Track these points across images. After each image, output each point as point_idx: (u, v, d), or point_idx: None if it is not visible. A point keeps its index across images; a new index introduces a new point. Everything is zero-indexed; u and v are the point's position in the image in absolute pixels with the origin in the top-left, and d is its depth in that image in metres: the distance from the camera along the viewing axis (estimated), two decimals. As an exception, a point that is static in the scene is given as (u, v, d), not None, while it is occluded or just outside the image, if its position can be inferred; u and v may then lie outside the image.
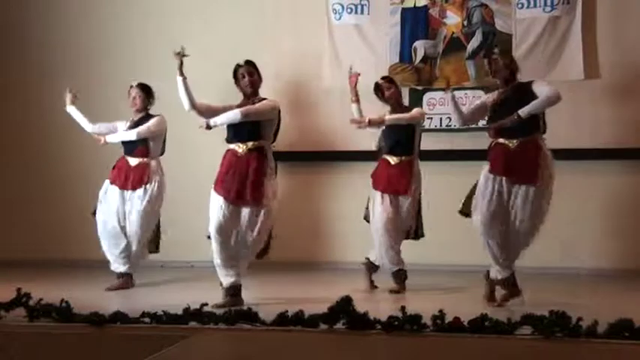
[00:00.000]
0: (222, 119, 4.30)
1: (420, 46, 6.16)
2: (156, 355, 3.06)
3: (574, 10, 5.87)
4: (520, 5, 5.98)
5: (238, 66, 4.43)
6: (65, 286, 4.85)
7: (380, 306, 3.70)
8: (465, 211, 4.43)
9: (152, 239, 5.29)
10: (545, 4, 5.92)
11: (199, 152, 6.29)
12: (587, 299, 4.54)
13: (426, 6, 6.15)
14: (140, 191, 5.14)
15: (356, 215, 5.96)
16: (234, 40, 6.33)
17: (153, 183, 5.17)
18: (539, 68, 5.86)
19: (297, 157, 5.97)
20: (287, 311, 3.57)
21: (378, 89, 5.11)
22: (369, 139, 5.71)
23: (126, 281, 5.19)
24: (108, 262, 5.29)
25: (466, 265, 5.86)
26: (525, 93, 4.28)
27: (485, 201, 4.26)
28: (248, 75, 4.39)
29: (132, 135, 5.15)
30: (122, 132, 5.22)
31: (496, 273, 4.29)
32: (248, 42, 6.28)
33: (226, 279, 4.36)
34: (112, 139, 5.21)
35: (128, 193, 5.16)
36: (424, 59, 6.14)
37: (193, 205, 6.15)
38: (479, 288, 5.20)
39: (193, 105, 4.35)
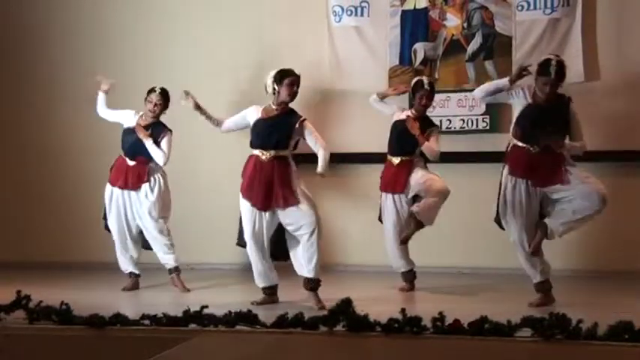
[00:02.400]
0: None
1: (420, 49, 6.16)
2: (155, 357, 3.06)
3: (574, 13, 5.87)
4: (520, 7, 5.98)
5: (292, 73, 4.51)
6: (65, 288, 4.85)
7: (380, 308, 3.70)
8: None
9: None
10: (545, 6, 5.92)
11: (199, 156, 6.30)
12: (586, 300, 4.56)
13: (426, 8, 6.15)
14: (141, 191, 5.14)
15: (359, 217, 5.97)
16: (233, 42, 6.34)
17: (153, 181, 5.15)
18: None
19: (296, 160, 5.98)
20: (287, 313, 3.57)
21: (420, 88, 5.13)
22: (367, 141, 5.72)
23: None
24: (110, 263, 5.31)
25: (466, 267, 5.88)
26: (565, 111, 4.47)
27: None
28: (297, 86, 4.52)
29: (159, 158, 5.09)
30: (152, 146, 5.09)
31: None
32: (247, 44, 6.29)
33: (266, 282, 4.55)
34: (148, 146, 5.11)
35: (130, 193, 5.17)
36: (424, 61, 6.14)
37: (192, 208, 6.18)
38: (478, 289, 5.21)
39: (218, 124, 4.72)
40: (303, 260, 4.42)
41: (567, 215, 4.46)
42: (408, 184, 5.05)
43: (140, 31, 6.52)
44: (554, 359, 3.17)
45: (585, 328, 3.28)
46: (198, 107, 4.69)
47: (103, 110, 5.40)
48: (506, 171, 4.57)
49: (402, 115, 5.17)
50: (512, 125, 4.61)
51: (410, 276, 5.16)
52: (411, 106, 5.32)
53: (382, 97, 5.30)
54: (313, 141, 4.60)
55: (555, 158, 4.49)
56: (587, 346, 3.20)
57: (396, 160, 5.12)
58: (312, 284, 4.43)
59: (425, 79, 5.22)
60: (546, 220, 4.50)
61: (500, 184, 4.58)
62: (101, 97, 5.38)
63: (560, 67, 4.41)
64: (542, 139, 4.42)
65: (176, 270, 5.20)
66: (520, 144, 4.53)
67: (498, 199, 4.60)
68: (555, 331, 3.28)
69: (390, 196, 5.12)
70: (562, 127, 4.50)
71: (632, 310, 3.82)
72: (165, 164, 5.17)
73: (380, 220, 5.26)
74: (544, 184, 4.48)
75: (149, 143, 5.10)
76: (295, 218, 4.40)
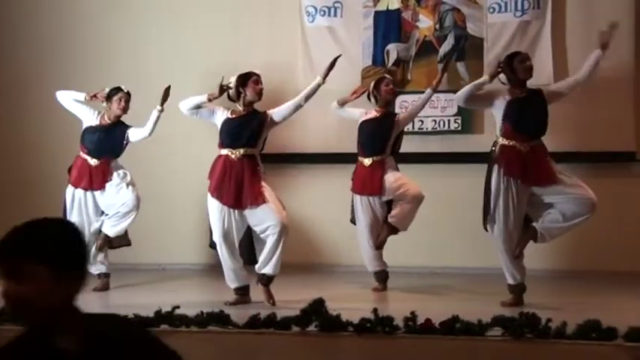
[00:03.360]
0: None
1: (393, 49, 6.18)
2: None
3: (544, 16, 5.94)
4: (491, 10, 6.04)
5: (253, 73, 4.55)
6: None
7: (352, 308, 3.71)
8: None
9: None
10: (516, 9, 5.99)
11: (170, 156, 6.24)
12: (556, 300, 4.62)
13: (398, 9, 6.18)
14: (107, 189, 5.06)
15: (331, 217, 5.98)
16: (207, 42, 6.30)
17: (122, 174, 5.09)
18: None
19: (270, 160, 5.97)
20: (259, 314, 3.57)
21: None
22: (343, 141, 5.73)
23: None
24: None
25: (438, 266, 5.92)
26: (542, 98, 4.56)
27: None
28: (261, 83, 4.55)
29: (145, 132, 4.99)
30: (154, 118, 4.98)
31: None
32: (221, 43, 6.25)
33: (237, 282, 4.51)
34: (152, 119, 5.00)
35: (94, 193, 5.09)
36: (396, 62, 6.17)
37: (164, 208, 6.13)
38: (450, 289, 5.25)
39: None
40: (265, 258, 4.43)
41: (557, 220, 4.45)
42: (383, 185, 5.06)
43: (112, 30, 6.43)
44: (524, 358, 3.21)
45: (554, 327, 3.33)
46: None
47: (66, 96, 5.14)
48: (496, 172, 4.47)
49: (368, 116, 5.18)
50: (499, 125, 4.53)
51: (383, 276, 5.18)
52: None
53: (342, 103, 5.30)
54: (284, 108, 4.64)
55: (543, 157, 4.50)
56: (556, 345, 3.25)
57: (367, 162, 5.12)
58: (267, 280, 4.45)
59: (386, 75, 5.41)
60: (535, 225, 4.48)
61: (488, 187, 4.49)
62: (77, 93, 5.15)
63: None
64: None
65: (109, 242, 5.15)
66: (510, 143, 4.47)
67: (487, 202, 4.50)
68: (525, 330, 3.33)
69: (364, 198, 5.12)
70: (545, 113, 4.55)
71: (599, 309, 3.89)
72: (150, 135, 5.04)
73: (352, 221, 5.27)
74: (542, 183, 4.44)
75: (155, 116, 4.95)
76: (262, 218, 4.41)
